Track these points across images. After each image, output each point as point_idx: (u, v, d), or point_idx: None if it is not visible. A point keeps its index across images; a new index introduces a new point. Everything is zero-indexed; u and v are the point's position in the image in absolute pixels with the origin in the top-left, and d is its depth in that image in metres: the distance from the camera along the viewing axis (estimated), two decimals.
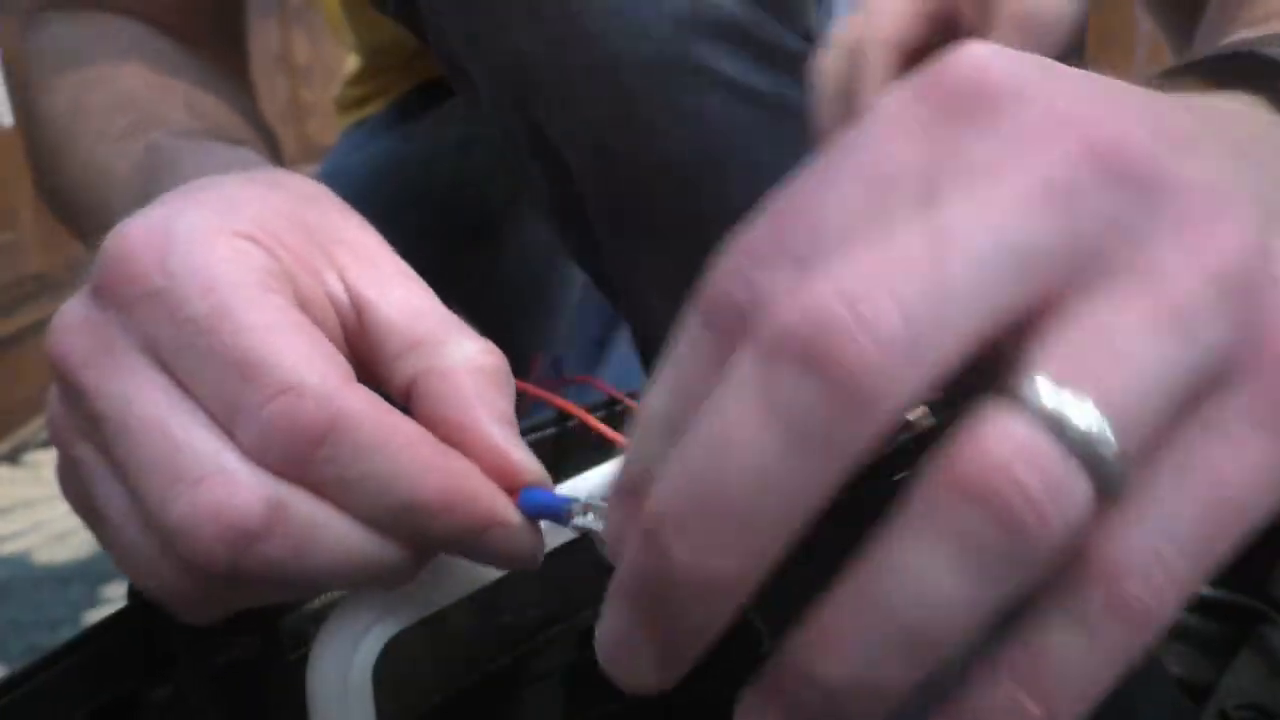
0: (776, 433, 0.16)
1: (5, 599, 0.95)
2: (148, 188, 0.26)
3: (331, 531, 0.22)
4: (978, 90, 0.18)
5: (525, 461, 0.24)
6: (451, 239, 0.66)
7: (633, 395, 0.40)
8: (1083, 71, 0.19)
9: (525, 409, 0.50)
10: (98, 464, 0.24)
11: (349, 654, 0.23)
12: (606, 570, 0.19)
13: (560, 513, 0.23)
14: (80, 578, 0.99)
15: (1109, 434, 0.16)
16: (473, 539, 0.23)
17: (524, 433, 0.37)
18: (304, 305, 0.24)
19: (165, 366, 0.23)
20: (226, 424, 0.22)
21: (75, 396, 0.24)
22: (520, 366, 0.39)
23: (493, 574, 0.26)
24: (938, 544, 0.16)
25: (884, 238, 0.16)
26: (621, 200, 0.44)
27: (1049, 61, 0.19)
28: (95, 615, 0.93)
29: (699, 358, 0.18)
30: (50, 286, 1.44)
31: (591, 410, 0.38)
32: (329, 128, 0.54)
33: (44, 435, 1.34)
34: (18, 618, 0.93)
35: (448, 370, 0.24)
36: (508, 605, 0.36)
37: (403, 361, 0.25)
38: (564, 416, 0.38)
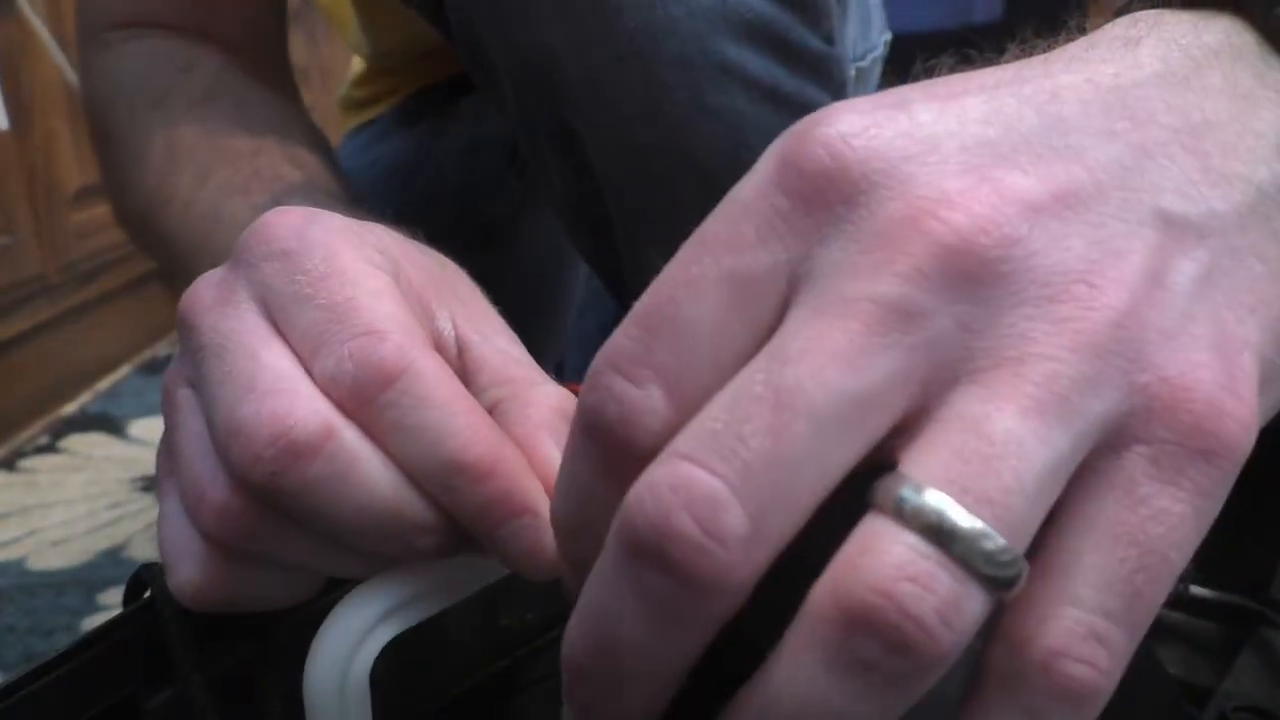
0: (644, 613, 0.17)
1: (0, 606, 0.95)
2: None
3: (373, 469, 0.23)
4: (832, 178, 0.18)
5: None
6: (458, 241, 0.66)
7: None
8: (956, 106, 0.19)
9: None
10: (189, 399, 0.25)
11: (347, 656, 0.23)
12: None
13: None
14: (76, 584, 0.99)
15: (993, 533, 0.16)
16: (502, 519, 0.24)
17: None
18: None
19: (271, 314, 0.25)
20: (308, 359, 0.24)
21: (188, 337, 0.26)
22: None
23: (491, 577, 0.26)
24: (830, 667, 0.16)
25: (734, 397, 0.17)
26: (644, 198, 0.44)
27: (911, 119, 0.18)
28: (91, 622, 0.93)
29: (586, 468, 0.19)
30: (48, 290, 1.44)
31: None
32: (327, 129, 0.54)
33: (41, 440, 1.34)
34: (13, 624, 0.92)
35: (527, 399, 0.26)
36: (505, 609, 0.36)
37: (489, 392, 0.27)
38: None
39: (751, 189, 0.19)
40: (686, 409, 0.18)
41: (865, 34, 0.66)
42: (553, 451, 0.25)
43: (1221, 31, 0.21)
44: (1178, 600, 0.36)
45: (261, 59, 0.55)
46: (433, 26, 0.49)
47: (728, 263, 0.18)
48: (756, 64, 0.42)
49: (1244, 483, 0.18)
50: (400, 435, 0.23)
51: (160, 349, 1.69)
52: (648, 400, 0.18)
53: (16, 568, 1.02)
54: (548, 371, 0.28)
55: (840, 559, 0.16)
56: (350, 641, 0.23)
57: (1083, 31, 0.23)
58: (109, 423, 1.40)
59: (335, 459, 0.23)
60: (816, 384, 0.17)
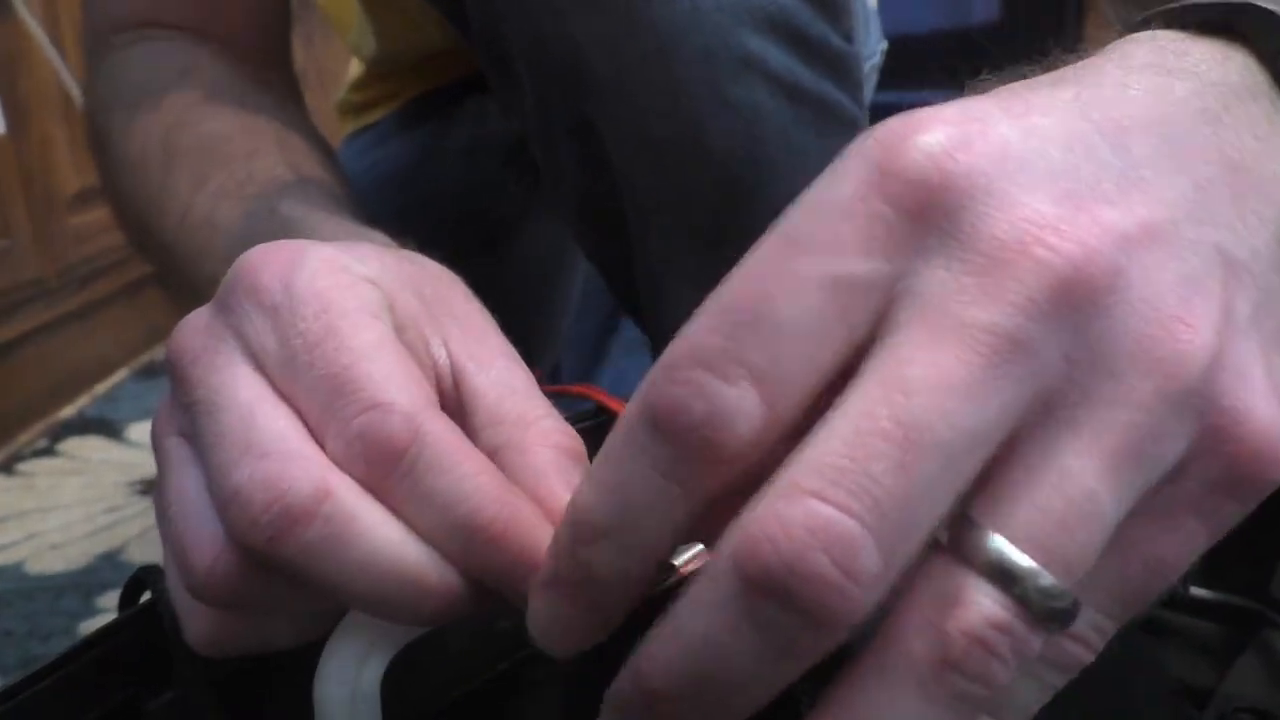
0: (760, 645, 0.17)
1: None
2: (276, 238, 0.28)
3: (373, 527, 0.22)
4: (934, 190, 0.18)
5: None
6: (457, 244, 0.66)
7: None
8: (1035, 127, 0.19)
9: None
10: (181, 450, 0.25)
11: (358, 665, 0.23)
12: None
13: None
14: (74, 588, 0.99)
15: (1063, 588, 0.17)
16: (516, 581, 0.23)
17: None
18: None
19: (266, 371, 0.24)
20: (319, 434, 0.23)
21: (179, 388, 0.25)
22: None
23: None
24: (930, 700, 0.17)
25: (857, 430, 0.17)
26: (660, 192, 0.44)
27: (1003, 138, 0.18)
28: (89, 626, 0.93)
29: (644, 465, 0.18)
30: (45, 293, 1.44)
31: (587, 417, 0.38)
32: (325, 132, 0.54)
33: (39, 444, 1.34)
34: (12, 628, 0.92)
35: (528, 447, 0.25)
36: (505, 612, 0.36)
37: (487, 433, 0.26)
38: (578, 418, 0.38)
39: (846, 191, 0.18)
40: (779, 414, 0.18)
41: (864, 41, 0.66)
42: (563, 495, 0.24)
43: (1240, 69, 0.22)
44: (1178, 601, 0.36)
45: (263, 60, 0.55)
46: (450, 22, 0.49)
47: (828, 264, 0.18)
48: (777, 58, 0.42)
49: None
50: (417, 504, 0.23)
51: (158, 353, 1.68)
52: (741, 401, 0.17)
53: (15, 571, 1.02)
54: (544, 373, 0.28)
55: (926, 602, 0.17)
56: (362, 650, 0.23)
57: (1080, 41, 0.23)
58: (107, 426, 1.39)
59: (332, 520, 0.22)
60: (942, 419, 0.17)
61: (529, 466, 0.25)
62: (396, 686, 0.25)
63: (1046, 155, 0.18)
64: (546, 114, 0.46)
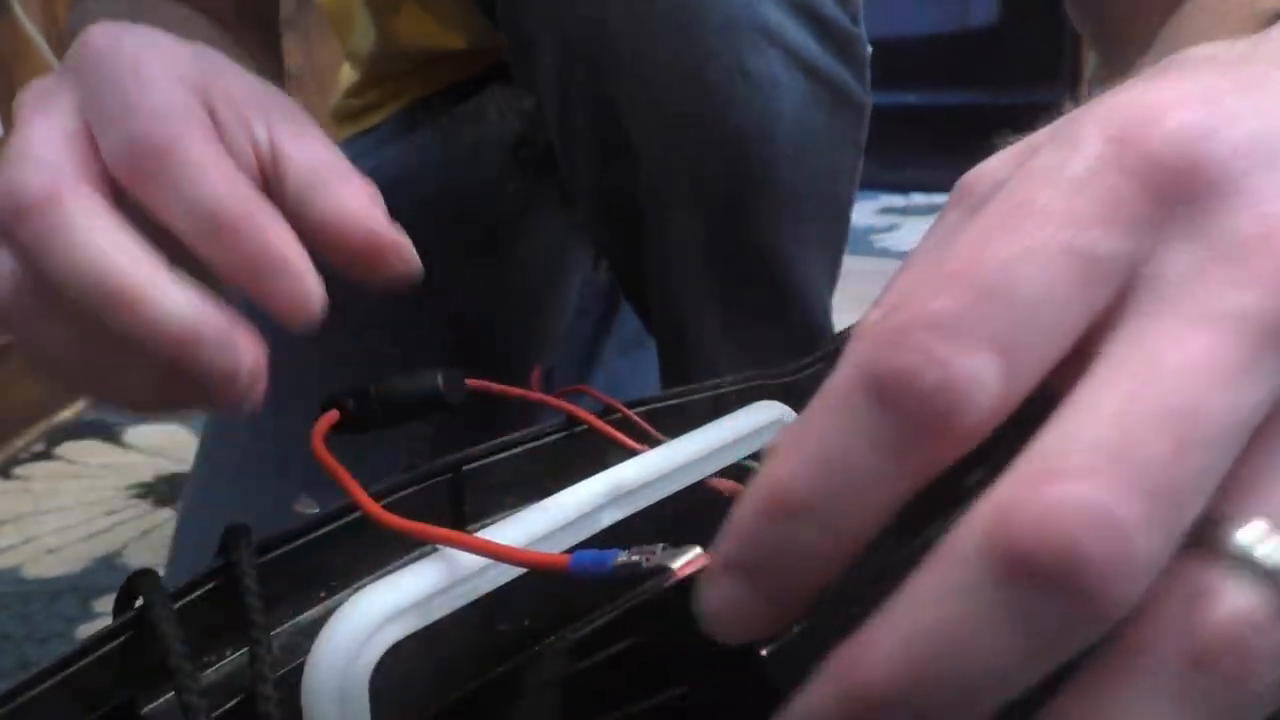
0: (1018, 636, 0.15)
1: None
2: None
3: (97, 231, 0.27)
4: (1181, 174, 0.17)
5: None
6: (460, 247, 0.66)
7: (631, 404, 0.39)
8: (1265, 108, 0.18)
9: (530, 416, 0.50)
10: None
11: (347, 662, 0.23)
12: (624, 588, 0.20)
13: (609, 569, 0.23)
14: (71, 591, 0.99)
15: None
16: (261, 272, 0.28)
17: (529, 439, 0.37)
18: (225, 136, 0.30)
19: (81, 109, 0.29)
20: (102, 150, 0.28)
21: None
22: (521, 376, 0.39)
23: (495, 582, 0.26)
24: (1181, 703, 0.16)
25: (1122, 414, 0.16)
26: (676, 165, 0.45)
27: (1248, 124, 0.18)
28: (86, 629, 0.92)
29: (862, 436, 0.17)
30: None
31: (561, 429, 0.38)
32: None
33: (36, 448, 1.34)
34: (9, 632, 0.92)
35: (335, 185, 0.31)
36: (504, 614, 0.36)
37: (298, 181, 0.31)
38: (570, 423, 0.38)
39: (1083, 164, 0.17)
40: (1017, 389, 0.17)
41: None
42: (372, 212, 0.30)
43: None
44: None
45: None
46: (475, 3, 0.50)
47: (1069, 237, 0.17)
48: (794, 32, 0.44)
49: None
50: (173, 203, 0.27)
51: None
52: (982, 372, 0.16)
53: (12, 575, 1.02)
54: (540, 376, 0.28)
55: (1177, 602, 0.16)
56: (350, 647, 0.23)
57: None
58: (105, 430, 1.39)
59: (54, 218, 0.26)
60: (1213, 406, 0.16)
61: (335, 197, 0.30)
62: (393, 688, 0.25)
63: None
64: (566, 94, 0.47)
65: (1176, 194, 0.17)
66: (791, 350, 0.51)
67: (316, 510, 0.33)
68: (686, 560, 0.22)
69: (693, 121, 0.43)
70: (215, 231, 0.27)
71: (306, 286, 0.28)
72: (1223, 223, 0.17)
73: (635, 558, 0.23)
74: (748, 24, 0.43)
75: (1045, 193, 0.17)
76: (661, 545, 0.22)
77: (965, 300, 0.17)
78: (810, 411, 0.18)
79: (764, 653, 0.20)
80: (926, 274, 0.17)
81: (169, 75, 0.29)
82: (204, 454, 0.74)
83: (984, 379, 0.16)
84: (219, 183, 0.28)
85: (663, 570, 0.22)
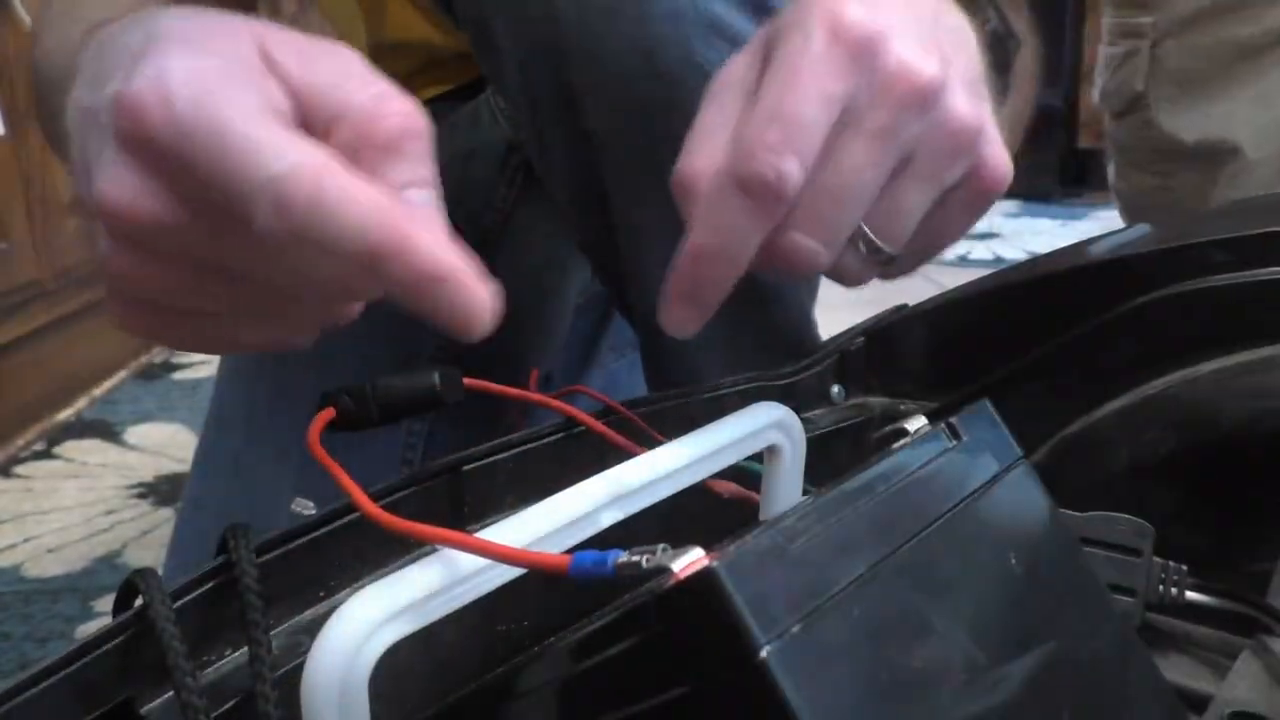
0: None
1: None
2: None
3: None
4: (860, 38, 0.32)
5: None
6: None
7: (630, 405, 0.39)
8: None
9: (529, 417, 0.50)
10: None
11: (347, 662, 0.23)
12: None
13: (609, 570, 0.23)
14: (72, 591, 0.99)
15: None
16: (427, 291, 0.26)
17: (528, 440, 0.37)
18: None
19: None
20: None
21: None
22: (519, 378, 0.39)
23: (495, 582, 0.26)
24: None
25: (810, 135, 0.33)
26: (638, 154, 0.45)
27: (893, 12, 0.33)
28: (86, 629, 0.92)
29: (736, 216, 0.33)
30: (44, 296, 1.44)
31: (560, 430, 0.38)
32: None
33: (37, 447, 1.34)
34: (9, 631, 0.92)
35: (378, 135, 0.31)
36: (504, 615, 0.36)
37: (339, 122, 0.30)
38: (569, 424, 0.38)
39: (815, 44, 0.33)
40: (808, 173, 0.33)
41: None
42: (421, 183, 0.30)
43: None
44: (1175, 606, 0.36)
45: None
46: (437, 6, 0.50)
47: (819, 87, 0.33)
48: (741, 23, 0.45)
49: (1242, 487, 0.18)
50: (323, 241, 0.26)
51: (156, 356, 1.68)
52: (794, 170, 0.33)
53: (12, 575, 1.02)
54: (538, 378, 0.28)
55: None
56: (350, 647, 0.23)
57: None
58: (105, 429, 1.39)
59: (184, 102, 0.27)
60: (858, 153, 0.35)
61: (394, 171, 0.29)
62: (392, 688, 0.25)
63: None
64: (532, 90, 0.47)
65: (857, 50, 0.32)
66: (769, 345, 0.51)
67: (313, 511, 0.33)
68: (686, 561, 0.22)
69: (649, 109, 0.44)
70: (375, 263, 0.26)
71: (472, 297, 0.26)
72: (878, 59, 0.33)
73: (635, 558, 0.23)
74: (694, 14, 0.44)
75: (804, 60, 0.32)
76: (661, 546, 0.23)
77: (783, 133, 0.32)
78: (704, 200, 0.34)
79: (764, 653, 0.20)
80: (758, 116, 0.32)
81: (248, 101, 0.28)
82: (202, 453, 0.74)
83: (794, 173, 0.32)
84: (369, 211, 0.26)
85: (663, 570, 0.22)
